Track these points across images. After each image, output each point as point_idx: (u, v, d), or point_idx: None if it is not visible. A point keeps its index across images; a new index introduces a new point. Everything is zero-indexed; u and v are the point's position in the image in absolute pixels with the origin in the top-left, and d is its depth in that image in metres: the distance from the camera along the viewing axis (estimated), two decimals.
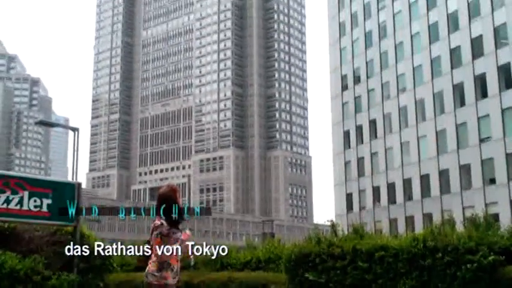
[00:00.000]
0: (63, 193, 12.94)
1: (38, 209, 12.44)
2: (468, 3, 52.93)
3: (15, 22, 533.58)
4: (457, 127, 52.95)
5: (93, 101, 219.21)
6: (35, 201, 12.39)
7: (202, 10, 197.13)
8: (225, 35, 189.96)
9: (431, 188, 55.31)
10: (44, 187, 12.68)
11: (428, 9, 58.05)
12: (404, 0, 62.04)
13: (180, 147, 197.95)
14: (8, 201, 12.13)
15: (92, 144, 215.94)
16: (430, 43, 57.32)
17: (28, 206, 12.34)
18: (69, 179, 24.89)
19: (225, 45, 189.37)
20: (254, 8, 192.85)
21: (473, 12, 52.44)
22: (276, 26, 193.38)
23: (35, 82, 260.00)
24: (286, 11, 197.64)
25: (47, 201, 12.52)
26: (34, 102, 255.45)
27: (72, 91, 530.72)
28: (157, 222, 6.22)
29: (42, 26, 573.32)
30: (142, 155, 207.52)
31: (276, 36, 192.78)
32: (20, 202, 12.28)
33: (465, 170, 51.67)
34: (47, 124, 48.68)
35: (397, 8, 62.94)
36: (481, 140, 50.28)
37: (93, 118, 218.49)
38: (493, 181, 49.05)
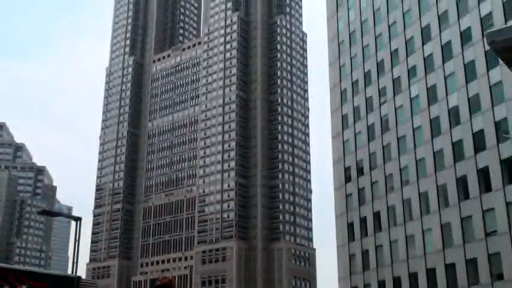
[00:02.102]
0: (61, 287, 12.69)
1: None
2: (468, 99, 53.86)
3: (24, 112, 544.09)
4: (462, 220, 52.44)
5: (97, 190, 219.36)
6: None
7: (208, 102, 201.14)
8: (229, 127, 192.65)
9: (438, 283, 54.08)
10: (41, 281, 12.46)
11: (429, 104, 58.99)
12: (405, 95, 63.17)
13: (183, 237, 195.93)
14: None
15: (93, 234, 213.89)
16: (432, 137, 57.86)
17: None
18: (69, 269, 24.46)
19: (229, 136, 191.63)
20: (258, 101, 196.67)
21: (474, 107, 53.27)
22: (279, 118, 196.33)
23: (40, 171, 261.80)
24: (289, 103, 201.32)
25: None
26: (38, 190, 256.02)
27: (77, 179, 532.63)
28: None
29: (51, 115, 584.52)
30: (144, 245, 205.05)
31: (279, 127, 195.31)
32: None
33: (472, 264, 50.71)
34: (49, 214, 48.47)
35: (399, 103, 64.01)
36: (487, 234, 49.60)
37: (96, 207, 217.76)
38: (500, 276, 47.99)
